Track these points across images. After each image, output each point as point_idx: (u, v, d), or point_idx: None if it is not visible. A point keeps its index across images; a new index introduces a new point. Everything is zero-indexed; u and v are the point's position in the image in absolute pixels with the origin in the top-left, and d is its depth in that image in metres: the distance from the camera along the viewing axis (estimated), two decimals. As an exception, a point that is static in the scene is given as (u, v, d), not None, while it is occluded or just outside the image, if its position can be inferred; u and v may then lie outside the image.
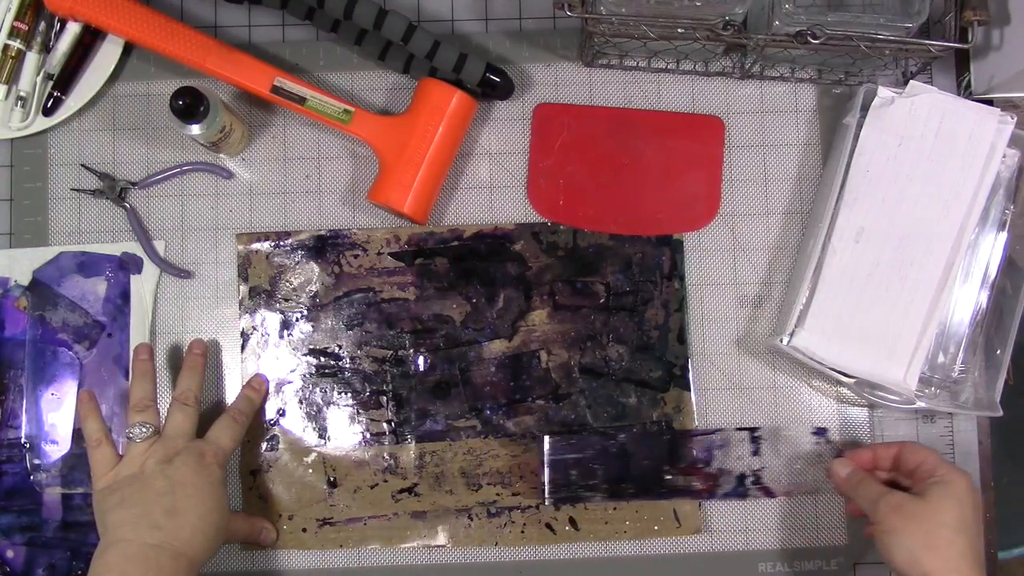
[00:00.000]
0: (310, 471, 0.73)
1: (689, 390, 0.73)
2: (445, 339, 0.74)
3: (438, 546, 0.73)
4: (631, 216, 0.75)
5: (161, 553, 0.61)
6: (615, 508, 0.72)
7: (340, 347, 0.74)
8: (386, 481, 0.73)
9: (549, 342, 0.74)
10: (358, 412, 0.73)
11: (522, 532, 0.72)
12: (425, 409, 0.73)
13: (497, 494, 0.73)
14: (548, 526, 0.72)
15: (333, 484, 0.73)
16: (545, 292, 0.74)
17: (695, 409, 0.73)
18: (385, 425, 0.73)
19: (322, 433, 0.73)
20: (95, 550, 0.62)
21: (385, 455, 0.73)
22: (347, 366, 0.74)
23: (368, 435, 0.73)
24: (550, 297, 0.74)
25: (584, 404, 0.73)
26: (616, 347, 0.74)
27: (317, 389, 0.74)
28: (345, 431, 0.73)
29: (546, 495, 0.72)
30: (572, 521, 0.72)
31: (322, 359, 0.74)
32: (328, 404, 0.73)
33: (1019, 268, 0.71)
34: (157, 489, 0.63)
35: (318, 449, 0.73)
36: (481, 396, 0.73)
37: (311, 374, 0.74)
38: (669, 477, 0.72)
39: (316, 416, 0.73)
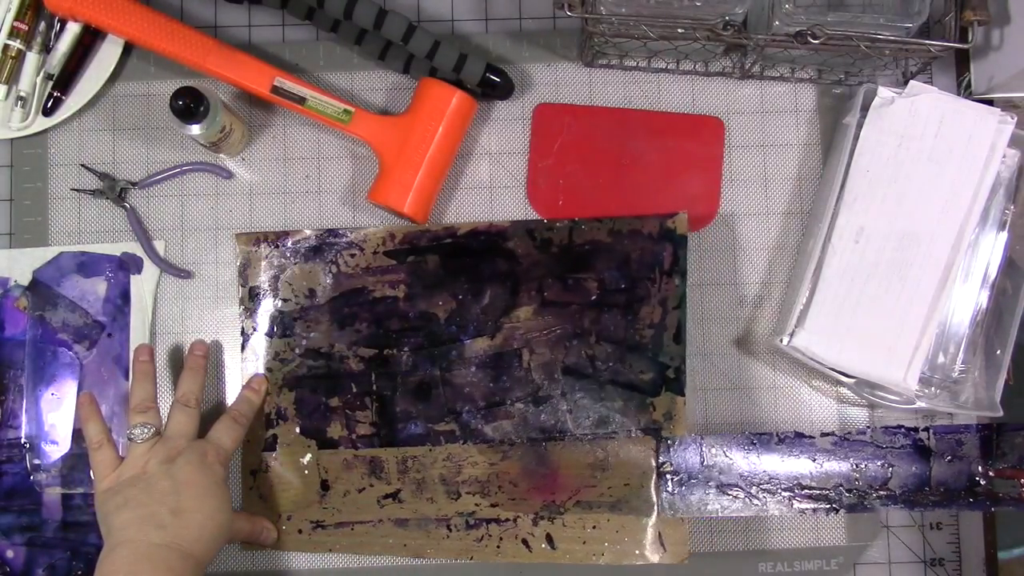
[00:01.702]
0: (306, 472, 0.73)
1: (682, 395, 0.71)
2: (428, 337, 0.73)
3: (416, 556, 0.72)
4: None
5: (170, 553, 0.61)
6: (594, 527, 0.70)
7: (333, 347, 0.74)
8: (372, 486, 0.72)
9: (532, 340, 0.72)
10: (347, 413, 0.73)
11: (498, 547, 0.71)
12: (407, 411, 0.72)
13: (476, 504, 0.71)
14: (524, 542, 0.71)
15: (326, 486, 0.73)
16: (534, 288, 0.73)
17: (687, 416, 0.71)
18: (370, 427, 0.73)
19: (316, 434, 0.73)
20: (100, 553, 0.62)
21: (370, 458, 0.72)
22: (338, 366, 0.73)
23: (355, 437, 0.73)
24: (539, 293, 0.73)
25: (565, 408, 0.71)
26: (604, 346, 0.72)
27: (312, 390, 0.73)
28: (336, 433, 0.73)
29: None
30: (549, 538, 0.71)
31: (317, 359, 0.74)
32: (321, 405, 0.73)
33: (1019, 268, 0.71)
34: (161, 489, 0.63)
35: (313, 451, 0.73)
36: (460, 398, 0.72)
37: (307, 375, 0.74)
38: (984, 481, 0.65)
39: (311, 417, 0.73)
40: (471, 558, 0.71)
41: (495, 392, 0.72)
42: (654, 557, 0.70)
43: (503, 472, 0.72)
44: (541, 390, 0.72)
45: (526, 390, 0.72)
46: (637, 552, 0.70)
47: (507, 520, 0.71)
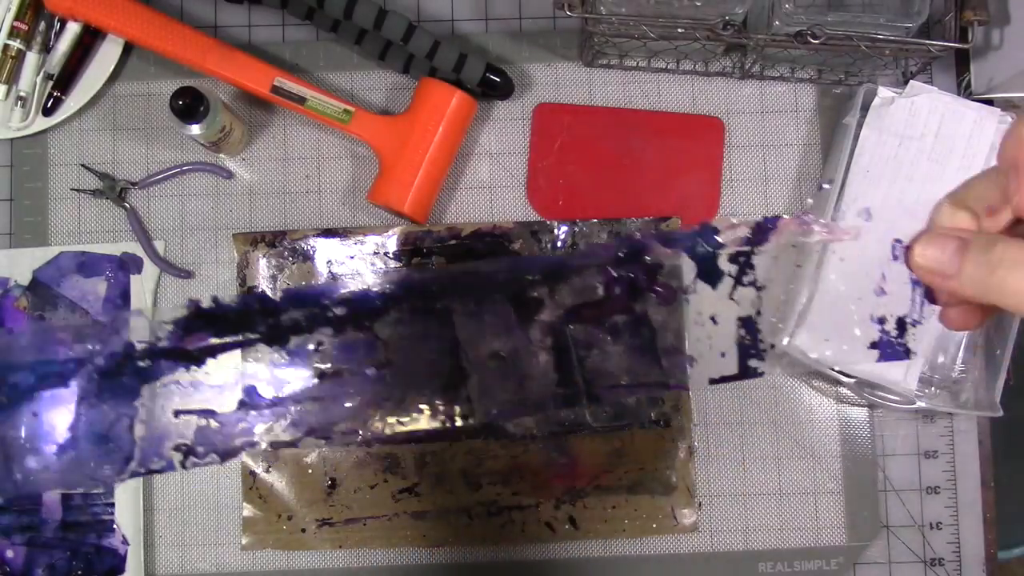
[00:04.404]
0: (310, 471, 0.73)
1: (687, 388, 0.73)
2: None
3: (437, 547, 0.73)
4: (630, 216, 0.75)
5: None
6: (613, 507, 0.73)
7: (340, 347, 0.74)
8: (386, 481, 0.73)
9: None
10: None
11: (522, 531, 0.72)
12: (425, 409, 0.73)
13: (497, 494, 0.73)
14: (548, 525, 0.72)
15: (333, 484, 0.73)
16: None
17: (693, 408, 0.73)
18: (385, 425, 0.73)
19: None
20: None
21: (385, 455, 0.73)
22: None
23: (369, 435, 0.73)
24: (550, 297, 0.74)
25: (584, 403, 0.73)
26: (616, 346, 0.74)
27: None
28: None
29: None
30: (572, 520, 0.72)
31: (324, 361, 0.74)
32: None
33: (1019, 268, 0.71)
34: None
35: (318, 449, 0.73)
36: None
37: (310, 375, 0.74)
38: None
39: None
40: (496, 543, 0.73)
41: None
42: (668, 529, 0.73)
43: (524, 463, 0.73)
44: None
45: None
46: (654, 526, 0.73)
47: (529, 506, 0.73)
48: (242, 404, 0.46)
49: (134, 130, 0.77)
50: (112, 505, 0.72)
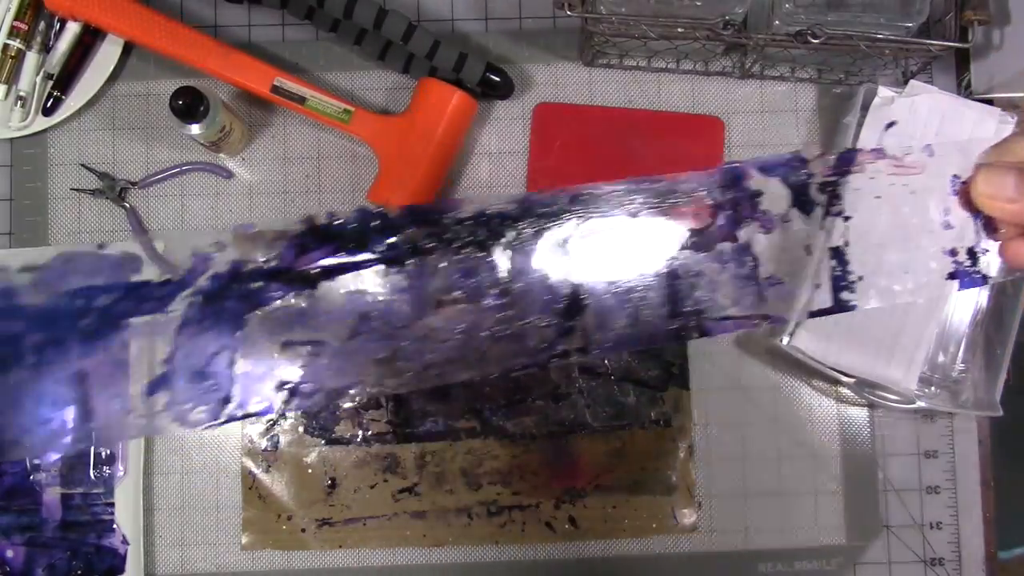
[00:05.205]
0: (310, 471, 0.73)
1: (687, 389, 0.73)
2: None
3: (437, 547, 0.73)
4: (631, 216, 0.75)
5: None
6: (614, 507, 0.73)
7: (340, 347, 0.74)
8: (386, 481, 0.73)
9: None
10: (358, 412, 0.73)
11: (522, 531, 0.73)
12: (425, 410, 0.73)
13: (498, 493, 0.73)
14: (548, 524, 0.73)
15: (333, 484, 0.73)
16: None
17: (693, 408, 0.73)
18: (385, 425, 0.73)
19: (322, 433, 0.73)
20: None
21: (385, 455, 0.73)
22: (347, 366, 0.74)
23: (368, 435, 0.73)
24: None
25: (583, 404, 0.73)
26: None
27: (317, 389, 0.74)
28: (345, 431, 0.73)
29: None
30: (572, 520, 0.73)
31: (322, 359, 0.74)
32: (330, 404, 0.73)
33: (1019, 268, 0.71)
34: None
35: (318, 449, 0.73)
36: (480, 397, 0.73)
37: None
38: None
39: (316, 416, 0.73)
40: (496, 543, 0.73)
41: (515, 391, 0.74)
42: (668, 529, 0.73)
43: (524, 463, 0.73)
44: (560, 388, 0.73)
45: (545, 388, 0.74)
46: (654, 526, 0.73)
47: (530, 506, 0.73)
48: (354, 334, 0.39)
49: (134, 130, 0.77)
50: (112, 505, 0.72)
